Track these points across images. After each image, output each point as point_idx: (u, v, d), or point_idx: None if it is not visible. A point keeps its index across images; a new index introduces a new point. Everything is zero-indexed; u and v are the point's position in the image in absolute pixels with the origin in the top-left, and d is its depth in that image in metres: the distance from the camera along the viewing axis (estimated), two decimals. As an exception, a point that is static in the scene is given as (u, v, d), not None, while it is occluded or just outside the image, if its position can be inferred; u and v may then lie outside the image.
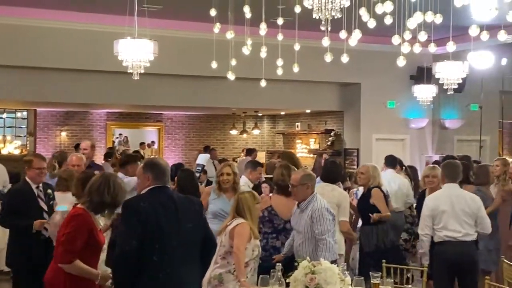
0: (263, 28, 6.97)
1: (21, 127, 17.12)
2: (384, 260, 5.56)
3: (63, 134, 16.93)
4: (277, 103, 14.25)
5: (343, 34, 6.38)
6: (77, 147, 15.35)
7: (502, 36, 5.68)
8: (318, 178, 6.63)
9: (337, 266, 3.86)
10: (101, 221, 4.62)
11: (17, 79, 11.43)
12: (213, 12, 7.48)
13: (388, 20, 6.13)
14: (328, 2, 4.51)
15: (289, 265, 4.13)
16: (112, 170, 7.85)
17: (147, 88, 12.01)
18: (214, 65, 8.36)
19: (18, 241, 6.06)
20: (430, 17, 5.92)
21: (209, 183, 9.91)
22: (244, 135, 18.45)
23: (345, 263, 4.58)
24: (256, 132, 18.59)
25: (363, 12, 6.05)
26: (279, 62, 7.91)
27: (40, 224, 5.85)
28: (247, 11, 7.10)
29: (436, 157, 13.78)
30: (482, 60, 10.28)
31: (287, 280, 3.80)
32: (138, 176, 4.22)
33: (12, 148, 16.62)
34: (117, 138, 17.67)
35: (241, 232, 4.90)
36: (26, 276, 5.91)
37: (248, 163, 7.63)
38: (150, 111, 17.36)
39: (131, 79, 7.67)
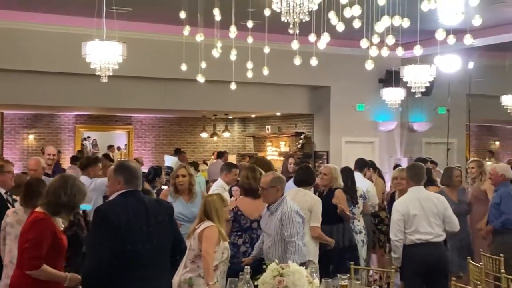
0: (233, 31, 6.98)
1: (-13, 130, 16.83)
2: (352, 262, 5.59)
3: (31, 137, 16.68)
4: (247, 106, 14.26)
5: (312, 38, 6.43)
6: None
7: (468, 40, 5.77)
8: (291, 182, 6.64)
9: (306, 268, 3.87)
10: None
11: (-17, 81, 11.26)
12: (182, 15, 7.46)
13: (356, 24, 6.19)
14: (296, 6, 4.52)
15: (258, 268, 4.12)
16: (80, 173, 7.73)
17: (116, 91, 11.91)
18: (184, 67, 8.34)
19: None
20: (397, 21, 5.99)
21: None
22: (215, 138, 18.42)
23: (313, 266, 4.57)
24: (226, 135, 18.57)
25: (331, 15, 6.10)
26: (249, 65, 7.92)
27: None
28: (217, 14, 7.10)
29: (405, 160, 13.95)
30: (449, 64, 10.43)
31: (256, 283, 3.79)
32: (108, 179, 4.16)
33: (-22, 151, 16.32)
34: (86, 140, 17.47)
35: (209, 235, 4.89)
36: None
37: (223, 165, 7.60)
38: (119, 113, 17.22)
39: (100, 82, 7.60)
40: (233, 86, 8.56)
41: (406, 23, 6.23)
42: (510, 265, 6.15)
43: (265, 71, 7.76)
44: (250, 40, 7.53)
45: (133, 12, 10.55)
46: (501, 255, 6.08)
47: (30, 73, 11.38)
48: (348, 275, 4.34)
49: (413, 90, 8.81)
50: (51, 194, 4.35)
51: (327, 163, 13.22)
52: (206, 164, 16.36)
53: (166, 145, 17.81)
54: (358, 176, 8.71)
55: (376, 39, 6.43)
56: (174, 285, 4.79)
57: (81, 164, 7.94)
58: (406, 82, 8.92)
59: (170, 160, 11.80)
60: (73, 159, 12.58)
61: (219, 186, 7.13)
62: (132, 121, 17.82)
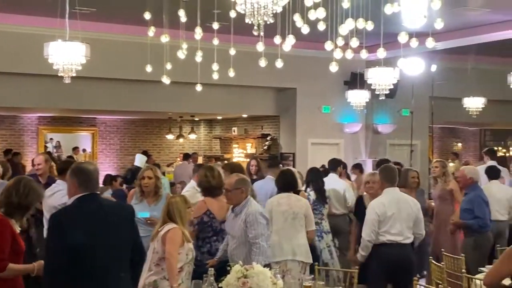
0: (198, 32, 6.95)
1: None
2: (316, 263, 5.62)
3: (-7, 139, 16.38)
4: (214, 108, 14.24)
5: (277, 40, 6.44)
6: (7, 152, 14.91)
7: (430, 43, 5.85)
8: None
9: (270, 269, 3.87)
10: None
11: None
12: (147, 16, 7.41)
13: (321, 26, 6.22)
14: (260, 8, 4.52)
15: (223, 269, 4.12)
16: None
17: (79, 92, 11.76)
18: (148, 69, 8.29)
19: None
20: (361, 24, 6.03)
21: None
22: (181, 140, 18.33)
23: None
24: (192, 136, 18.50)
25: (297, 18, 6.13)
26: (215, 66, 7.90)
27: None
28: (182, 15, 7.06)
29: (370, 161, 14.09)
30: (413, 66, 10.55)
31: (220, 285, 3.78)
32: (67, 182, 4.09)
33: None
34: (48, 142, 17.22)
35: (173, 238, 4.86)
36: None
37: (196, 166, 7.61)
38: (83, 115, 17.01)
39: (63, 83, 7.49)
40: (198, 87, 8.54)
41: (370, 26, 6.28)
42: (475, 265, 6.24)
43: (231, 73, 7.75)
44: (215, 41, 7.52)
45: (96, 12, 10.43)
46: (462, 254, 6.18)
47: (-9, 74, 11.17)
48: (312, 275, 4.36)
49: (377, 93, 8.89)
50: (4, 194, 4.33)
51: (293, 165, 13.27)
52: (172, 166, 16.28)
53: (131, 147, 17.65)
54: (334, 177, 8.80)
55: (340, 41, 6.48)
56: None
57: (58, 168, 7.68)
58: (371, 85, 9.00)
59: (139, 160, 11.73)
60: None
61: (191, 187, 7.11)
62: (96, 123, 17.62)
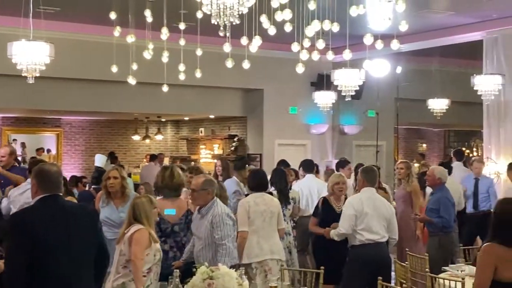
0: (164, 33, 6.92)
1: None
2: (283, 264, 5.65)
3: (-46, 139, 16.04)
4: (180, 109, 14.18)
5: (244, 40, 6.45)
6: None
7: (395, 45, 5.93)
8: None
9: (236, 270, 3.87)
10: None
11: None
12: (113, 15, 7.34)
13: (287, 28, 6.25)
14: (226, 8, 4.52)
15: (188, 271, 4.09)
16: None
17: (44, 92, 11.61)
18: (114, 69, 8.21)
19: None
20: (327, 25, 6.07)
21: None
22: (147, 141, 18.20)
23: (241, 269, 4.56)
24: (159, 137, 18.39)
25: (263, 19, 6.14)
26: (181, 67, 7.87)
27: None
28: (148, 15, 7.02)
29: (336, 162, 14.17)
30: (378, 68, 10.67)
31: (185, 286, 3.77)
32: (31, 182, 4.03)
33: None
34: (12, 143, 16.91)
35: (139, 239, 4.81)
36: None
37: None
38: (48, 116, 16.78)
39: (27, 83, 7.37)
40: (165, 88, 8.50)
41: (336, 27, 6.33)
42: (438, 265, 6.33)
43: (198, 74, 7.73)
44: (182, 42, 7.49)
45: (61, 12, 10.30)
46: (426, 254, 6.28)
47: (-48, 74, 10.93)
48: (278, 276, 4.38)
49: (343, 94, 8.95)
50: None
51: (260, 165, 13.29)
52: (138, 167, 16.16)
53: (96, 148, 17.45)
54: (310, 178, 8.84)
55: (307, 43, 6.52)
56: None
57: (29, 168, 7.53)
58: (337, 86, 9.06)
59: (99, 160, 11.55)
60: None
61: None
62: (61, 124, 17.39)
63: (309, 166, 9.22)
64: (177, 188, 5.92)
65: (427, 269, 5.73)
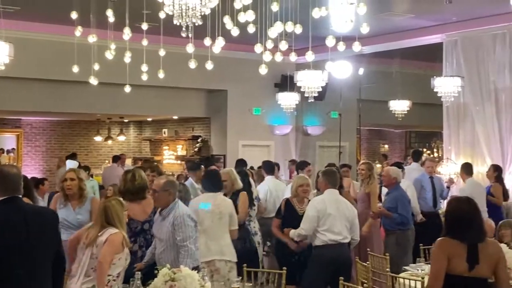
0: (127, 33, 6.86)
1: None
2: (245, 265, 5.64)
3: None
4: (143, 109, 14.08)
5: (207, 41, 6.44)
6: None
7: (357, 47, 5.98)
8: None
9: (198, 272, 3.86)
10: None
11: None
12: (74, 15, 7.26)
13: (251, 29, 6.26)
14: (188, 9, 4.50)
15: (150, 273, 4.06)
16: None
17: (3, 92, 11.41)
18: (75, 69, 8.13)
19: None
20: (290, 27, 6.10)
21: None
22: (109, 142, 18.01)
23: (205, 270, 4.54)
24: (121, 138, 18.22)
25: (226, 20, 6.14)
26: (144, 67, 7.82)
27: None
28: (110, 15, 6.95)
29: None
30: (341, 70, 10.76)
31: (147, 288, 3.75)
32: None
33: None
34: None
35: (113, 242, 4.75)
36: None
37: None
38: (7, 116, 16.46)
39: (-15, 83, 7.25)
40: (127, 89, 8.44)
41: (298, 29, 6.37)
42: (395, 263, 6.43)
43: (161, 74, 7.69)
44: (145, 42, 7.44)
45: (21, 11, 10.13)
46: (387, 254, 6.36)
47: None
48: (241, 277, 4.38)
49: (306, 95, 9.01)
50: None
51: (224, 166, 13.28)
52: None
53: (58, 149, 17.20)
54: (271, 178, 8.87)
55: (270, 44, 6.54)
56: None
57: None
58: (300, 87, 9.11)
59: (71, 164, 11.53)
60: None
61: None
62: (21, 124, 17.08)
63: (269, 168, 9.24)
64: (139, 191, 5.86)
65: (387, 269, 5.81)
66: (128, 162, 16.22)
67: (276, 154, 14.40)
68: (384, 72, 15.13)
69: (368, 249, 7.03)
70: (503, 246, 5.27)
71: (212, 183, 6.43)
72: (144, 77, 7.89)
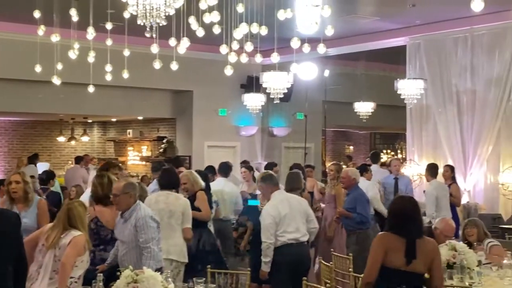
0: (90, 32, 6.81)
1: None
2: (209, 266, 5.62)
3: None
4: (107, 110, 13.95)
5: (172, 42, 6.42)
6: None
7: (321, 49, 6.03)
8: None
9: (161, 274, 3.84)
10: None
11: None
12: (37, 14, 7.16)
13: (216, 30, 6.27)
14: (153, 9, 4.48)
15: (113, 275, 4.02)
16: None
17: (-37, 92, 11.18)
18: (38, 68, 8.03)
19: None
20: (255, 28, 6.12)
21: None
22: (73, 142, 17.77)
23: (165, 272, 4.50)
24: (85, 139, 17.99)
25: (192, 20, 6.13)
26: (108, 67, 7.76)
27: None
28: (73, 14, 6.88)
29: (265, 164, 14.27)
30: (306, 71, 10.84)
31: (109, 290, 3.71)
32: None
33: None
34: None
35: (77, 245, 4.70)
36: None
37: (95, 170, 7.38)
38: (-32, 116, 16.14)
39: None
40: (91, 89, 8.36)
41: (264, 30, 6.39)
42: (357, 265, 6.48)
43: (125, 74, 7.65)
44: (109, 42, 7.38)
45: (-18, 9, 9.95)
46: (350, 254, 6.42)
47: None
48: (204, 278, 4.37)
49: (272, 96, 9.05)
50: None
51: (190, 168, 13.23)
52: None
53: (20, 149, 16.90)
54: (221, 181, 8.82)
55: (235, 45, 6.55)
56: None
57: None
58: (266, 88, 9.14)
59: (44, 166, 11.46)
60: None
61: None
62: (-18, 124, 16.76)
63: (221, 169, 9.16)
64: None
65: (350, 269, 5.86)
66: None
67: (242, 155, 14.40)
68: (349, 74, 15.26)
69: (331, 249, 7.08)
70: (463, 245, 5.40)
71: (166, 180, 6.40)
72: (108, 77, 7.84)
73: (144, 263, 4.73)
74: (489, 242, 6.05)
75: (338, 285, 6.10)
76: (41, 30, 7.17)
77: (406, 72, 11.50)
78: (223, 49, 6.55)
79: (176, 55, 6.63)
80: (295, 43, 5.93)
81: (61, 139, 17.56)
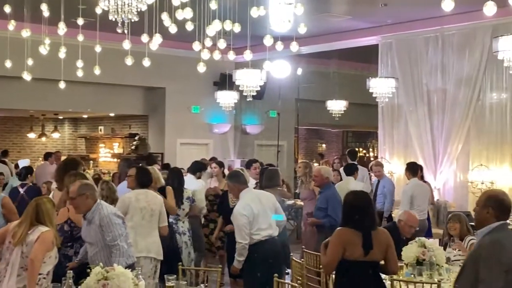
0: (62, 28, 6.73)
1: None
2: (180, 263, 5.61)
3: None
4: (79, 106, 13.82)
5: (144, 38, 6.39)
6: None
7: (294, 47, 6.05)
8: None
9: (132, 270, 3.82)
10: None
11: None
12: (7, 9, 7.07)
13: (189, 26, 6.25)
14: (124, 5, 4.45)
15: (83, 272, 3.99)
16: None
17: None
18: (8, 64, 7.94)
19: None
20: (229, 25, 6.12)
21: None
22: (43, 139, 17.57)
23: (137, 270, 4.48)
24: (56, 135, 17.81)
25: (164, 17, 6.11)
26: (80, 63, 7.69)
27: None
28: (45, 9, 6.80)
29: (238, 161, 14.30)
30: (279, 69, 10.86)
31: None
32: None
33: None
34: None
35: (45, 240, 4.66)
36: None
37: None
38: None
39: None
40: (62, 85, 8.26)
41: (237, 28, 6.39)
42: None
43: (97, 71, 7.59)
44: (80, 38, 7.31)
45: (-49, 2, 9.76)
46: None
47: None
48: (175, 275, 4.36)
49: (245, 94, 9.05)
50: None
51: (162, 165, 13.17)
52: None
53: (-11, 145, 16.68)
54: (190, 177, 8.79)
55: (208, 42, 6.54)
56: None
57: None
58: (239, 86, 9.14)
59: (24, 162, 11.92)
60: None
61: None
62: (-50, 120, 16.49)
63: (192, 168, 9.13)
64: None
65: (321, 266, 5.89)
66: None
67: (215, 152, 14.38)
68: (321, 73, 15.35)
69: (302, 246, 7.11)
70: (435, 242, 5.50)
71: (144, 179, 6.38)
72: (80, 73, 7.77)
73: (114, 261, 4.70)
74: (471, 239, 6.11)
75: (310, 282, 6.13)
76: (12, 25, 7.07)
77: (378, 71, 11.60)
78: (196, 46, 6.53)
79: (149, 51, 6.60)
80: (268, 41, 5.94)
81: (32, 135, 17.36)
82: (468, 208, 10.34)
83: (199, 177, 8.94)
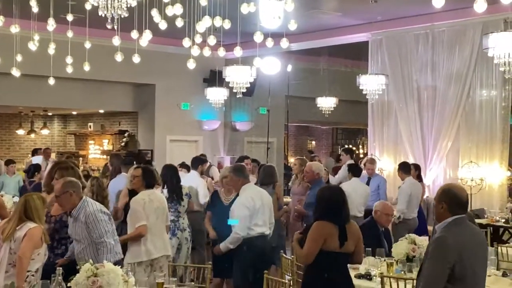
0: (51, 24, 6.68)
1: None
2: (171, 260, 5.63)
3: None
4: (68, 103, 13.75)
5: (134, 34, 6.36)
6: None
7: (284, 43, 6.04)
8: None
9: (121, 267, 3.81)
10: None
11: None
12: (-4, 4, 7.02)
13: (179, 23, 6.22)
14: (114, 1, 4.42)
15: (73, 269, 3.98)
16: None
17: None
18: (-3, 60, 7.86)
19: None
20: (218, 22, 6.10)
21: None
22: (32, 135, 17.49)
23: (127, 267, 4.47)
24: (45, 132, 17.73)
25: (154, 13, 6.08)
26: (69, 59, 7.65)
27: None
28: (34, 5, 6.75)
29: (228, 158, 14.30)
30: (269, 66, 10.84)
31: (68, 284, 3.67)
32: None
33: None
34: None
35: (33, 237, 4.64)
36: None
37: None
38: None
39: None
40: (51, 81, 8.23)
41: (227, 24, 6.38)
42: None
43: (86, 67, 7.55)
44: (70, 34, 7.26)
45: None
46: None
47: None
48: (165, 272, 4.36)
49: (235, 90, 9.03)
50: None
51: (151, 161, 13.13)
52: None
53: (-22, 142, 16.60)
54: (194, 174, 8.84)
55: (198, 38, 6.52)
56: None
57: None
58: (229, 82, 9.12)
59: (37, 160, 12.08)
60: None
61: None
62: None
63: (191, 164, 9.19)
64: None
65: (297, 258, 5.91)
66: (52, 156, 15.79)
67: (205, 149, 14.36)
68: (312, 69, 15.35)
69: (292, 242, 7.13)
70: (423, 239, 5.52)
71: (151, 180, 6.37)
72: (69, 69, 7.73)
73: (101, 258, 4.70)
74: None
75: (300, 278, 6.13)
76: (0, 21, 7.01)
77: (368, 67, 11.62)
78: (186, 42, 6.52)
79: (138, 48, 6.58)
80: (258, 37, 5.93)
81: (21, 132, 17.28)
82: (457, 205, 10.37)
83: (201, 172, 9.03)
